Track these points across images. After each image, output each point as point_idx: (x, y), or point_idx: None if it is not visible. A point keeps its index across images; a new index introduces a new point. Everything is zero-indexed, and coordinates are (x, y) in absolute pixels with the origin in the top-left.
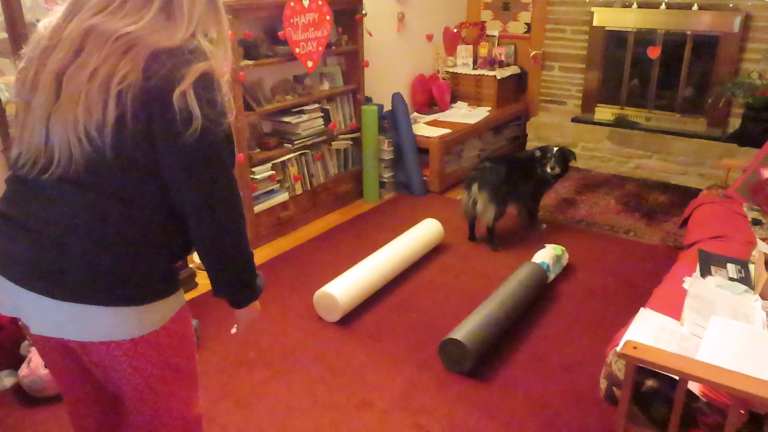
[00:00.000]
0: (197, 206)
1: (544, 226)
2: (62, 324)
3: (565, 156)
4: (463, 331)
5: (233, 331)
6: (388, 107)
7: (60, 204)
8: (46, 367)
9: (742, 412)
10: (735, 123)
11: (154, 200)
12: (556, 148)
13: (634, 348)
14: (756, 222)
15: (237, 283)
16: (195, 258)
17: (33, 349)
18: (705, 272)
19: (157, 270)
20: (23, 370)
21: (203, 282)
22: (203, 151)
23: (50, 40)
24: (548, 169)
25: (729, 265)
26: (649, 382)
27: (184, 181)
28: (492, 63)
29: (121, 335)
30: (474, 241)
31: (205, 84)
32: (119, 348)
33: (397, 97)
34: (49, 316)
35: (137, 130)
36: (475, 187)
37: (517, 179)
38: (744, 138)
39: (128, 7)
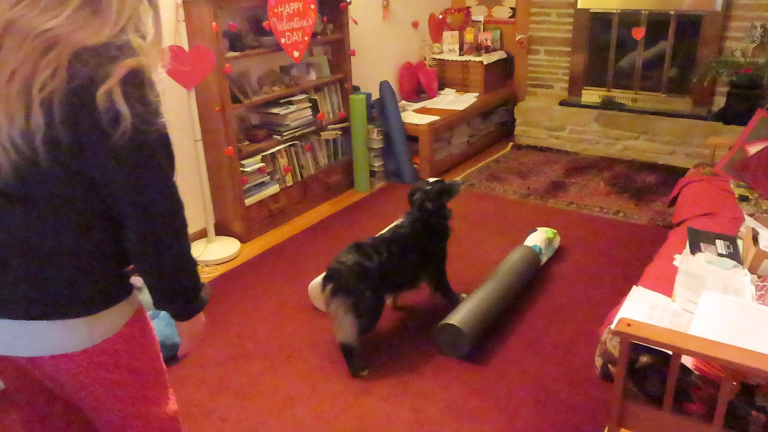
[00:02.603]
0: (132, 212)
1: (464, 296)
2: (8, 343)
3: (442, 191)
4: (459, 316)
5: (179, 352)
6: (375, 96)
7: None
8: (6, 392)
9: (734, 383)
10: (720, 101)
11: (93, 207)
12: (434, 180)
13: (628, 325)
14: (743, 198)
15: (177, 294)
16: None
17: None
18: (694, 249)
19: (103, 278)
20: None
21: None
22: (135, 152)
23: None
24: (428, 205)
25: (718, 242)
26: (644, 359)
27: (117, 185)
28: (478, 48)
29: (72, 347)
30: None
31: (135, 81)
32: (71, 361)
33: (384, 86)
34: None
35: (67, 135)
36: (328, 291)
37: (401, 261)
38: (729, 116)
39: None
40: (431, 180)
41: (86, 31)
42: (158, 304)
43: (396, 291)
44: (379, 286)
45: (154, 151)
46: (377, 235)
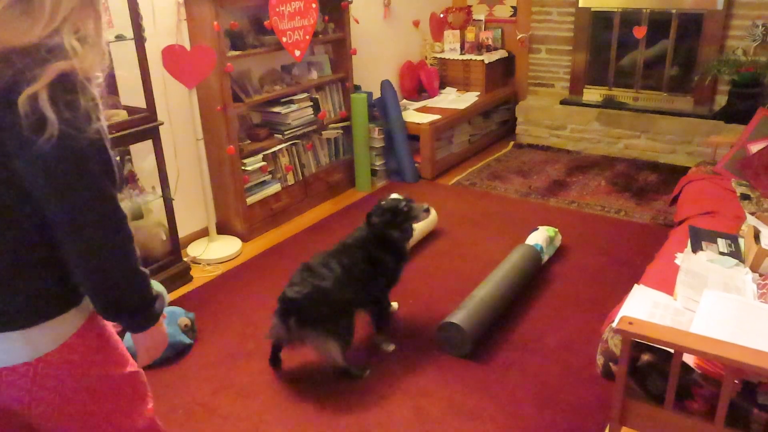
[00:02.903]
0: (63, 223)
1: (392, 347)
2: None
3: (394, 209)
4: (460, 315)
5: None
6: (377, 95)
7: None
8: None
9: (735, 381)
10: (721, 100)
11: (28, 217)
12: (395, 197)
13: (630, 323)
14: (744, 197)
15: (123, 309)
16: (189, 251)
17: None
18: (696, 248)
19: (44, 289)
20: None
21: (198, 276)
22: (64, 160)
23: None
24: (373, 218)
25: (719, 240)
26: (645, 357)
27: (46, 194)
28: (479, 47)
29: (12, 360)
30: (276, 366)
31: (65, 86)
32: (14, 373)
33: (386, 85)
34: None
35: None
36: (293, 323)
37: (356, 270)
38: (730, 115)
39: None
40: (393, 196)
41: (15, 31)
42: (105, 317)
43: (360, 304)
44: (342, 302)
45: (85, 159)
46: (324, 251)
